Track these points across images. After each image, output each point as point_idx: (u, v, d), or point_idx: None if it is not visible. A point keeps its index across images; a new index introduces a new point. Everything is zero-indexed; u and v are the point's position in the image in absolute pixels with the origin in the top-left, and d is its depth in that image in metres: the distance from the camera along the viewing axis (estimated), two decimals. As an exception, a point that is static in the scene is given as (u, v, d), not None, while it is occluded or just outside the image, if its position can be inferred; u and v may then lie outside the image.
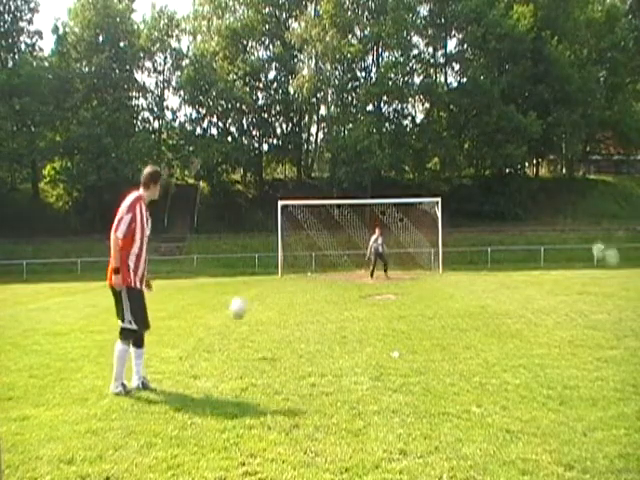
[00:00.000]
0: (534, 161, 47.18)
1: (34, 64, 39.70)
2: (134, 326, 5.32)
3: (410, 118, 43.83)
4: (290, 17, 45.79)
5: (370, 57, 43.02)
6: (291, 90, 42.66)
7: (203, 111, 43.00)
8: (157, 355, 6.99)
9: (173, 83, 43.76)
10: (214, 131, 43.52)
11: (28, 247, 34.25)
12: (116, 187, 38.27)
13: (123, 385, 5.31)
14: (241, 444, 3.93)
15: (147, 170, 5.69)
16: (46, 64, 40.97)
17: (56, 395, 5.27)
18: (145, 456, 3.77)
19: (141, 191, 5.54)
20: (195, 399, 5.03)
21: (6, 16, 40.94)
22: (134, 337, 5.38)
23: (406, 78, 41.03)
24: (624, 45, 42.29)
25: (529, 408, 4.56)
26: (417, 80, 42.72)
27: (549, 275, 20.09)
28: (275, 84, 45.14)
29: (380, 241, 20.54)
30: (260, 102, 44.57)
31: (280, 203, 24.85)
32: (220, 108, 42.02)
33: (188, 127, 43.05)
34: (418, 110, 45.78)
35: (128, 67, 42.07)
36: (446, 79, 45.35)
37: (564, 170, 49.05)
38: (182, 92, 42.42)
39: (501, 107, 37.89)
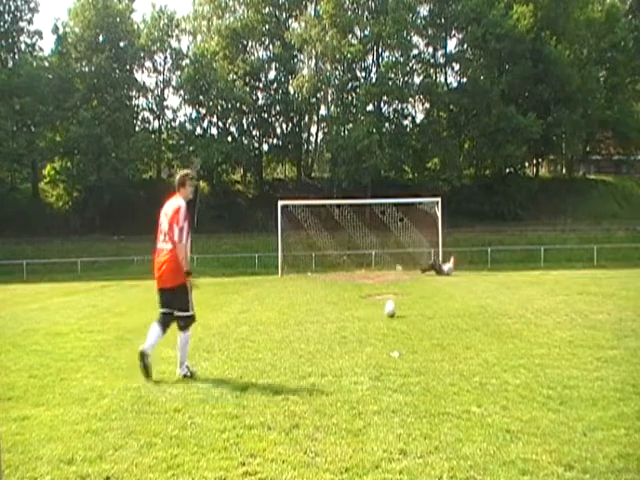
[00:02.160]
0: (534, 161, 47.21)
1: (34, 64, 39.77)
2: (193, 312, 5.90)
3: (410, 118, 43.90)
4: (290, 17, 45.84)
5: (370, 57, 43.06)
6: (291, 90, 42.69)
7: (203, 111, 43.02)
8: (157, 355, 6.97)
9: (173, 83, 43.82)
10: (214, 131, 43.60)
11: (28, 247, 34.27)
12: (116, 187, 38.38)
13: (188, 367, 5.85)
14: (241, 444, 3.93)
15: (177, 176, 6.30)
16: (46, 64, 41.03)
17: (56, 395, 5.27)
18: (145, 456, 3.76)
19: (179, 196, 6.04)
20: (195, 399, 5.02)
21: (6, 16, 40.98)
22: (193, 323, 5.95)
23: (406, 78, 41.06)
24: (624, 45, 42.32)
25: (529, 408, 4.56)
26: (417, 80, 42.82)
27: (549, 275, 20.08)
28: (275, 84, 45.17)
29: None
30: (260, 102, 44.62)
31: (280, 203, 24.84)
32: (220, 108, 42.04)
33: (188, 127, 43.07)
34: (418, 110, 45.89)
35: (128, 67, 42.12)
36: (446, 79, 45.46)
37: (564, 170, 49.07)
38: (182, 92, 42.47)
39: (501, 107, 37.92)
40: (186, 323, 5.86)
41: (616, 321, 8.75)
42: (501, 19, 37.73)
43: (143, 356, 5.68)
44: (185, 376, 5.78)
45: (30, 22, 42.08)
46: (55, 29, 40.95)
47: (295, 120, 45.69)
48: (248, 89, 42.04)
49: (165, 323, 5.86)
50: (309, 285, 18.00)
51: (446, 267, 21.42)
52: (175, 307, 5.81)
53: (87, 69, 41.14)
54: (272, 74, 45.44)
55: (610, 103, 41.89)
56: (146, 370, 5.66)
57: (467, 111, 41.78)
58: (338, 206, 30.99)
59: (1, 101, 36.88)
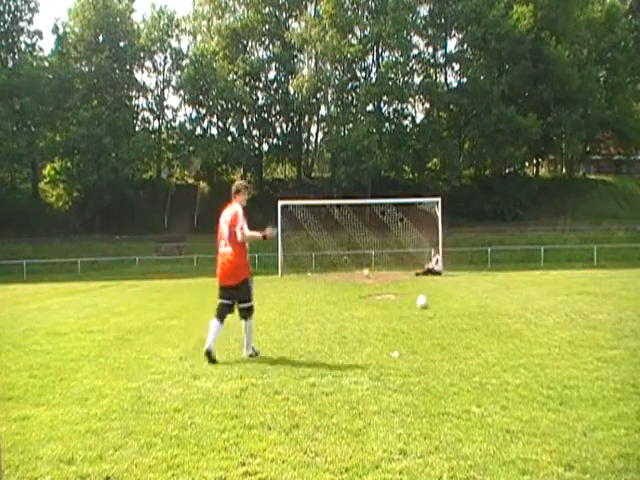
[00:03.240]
0: (534, 161, 47.22)
1: (34, 64, 39.77)
2: (253, 303, 6.79)
3: (410, 118, 43.90)
4: (290, 17, 45.84)
5: (370, 57, 43.06)
6: (291, 90, 42.69)
7: (203, 111, 43.04)
8: (157, 355, 6.99)
9: (173, 83, 43.82)
10: (214, 131, 43.62)
11: (28, 247, 34.26)
12: (116, 187, 38.39)
13: (253, 348, 6.71)
14: (241, 444, 3.93)
15: (233, 185, 7.02)
16: (46, 64, 41.04)
17: (56, 395, 5.27)
18: (145, 456, 3.76)
19: (235, 203, 6.73)
20: (195, 399, 5.02)
21: (6, 16, 40.98)
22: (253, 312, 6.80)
23: (406, 78, 41.06)
24: (624, 45, 42.34)
25: (529, 408, 4.56)
26: (417, 80, 42.83)
27: (549, 275, 20.09)
28: (275, 84, 45.18)
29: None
30: (260, 102, 44.63)
31: (280, 203, 24.83)
32: (220, 108, 42.05)
33: (188, 127, 43.08)
34: (418, 110, 45.90)
35: (128, 67, 42.13)
36: (446, 79, 45.46)
37: (564, 170, 49.06)
38: (182, 92, 42.47)
39: (501, 108, 37.91)
40: (248, 312, 6.70)
41: (616, 321, 8.75)
42: (501, 19, 37.73)
43: (209, 354, 6.38)
44: (251, 356, 6.62)
45: (30, 22, 42.15)
46: (55, 29, 40.97)
47: (295, 120, 45.69)
48: (248, 89, 42.04)
49: (223, 315, 6.62)
50: (309, 285, 18.01)
51: (437, 266, 21.55)
52: (237, 299, 6.65)
53: (87, 69, 41.16)
54: (272, 74, 45.52)
55: (610, 103, 41.89)
56: (213, 361, 6.36)
57: (467, 111, 41.79)
58: (338, 206, 31.01)
59: (1, 101, 36.89)
